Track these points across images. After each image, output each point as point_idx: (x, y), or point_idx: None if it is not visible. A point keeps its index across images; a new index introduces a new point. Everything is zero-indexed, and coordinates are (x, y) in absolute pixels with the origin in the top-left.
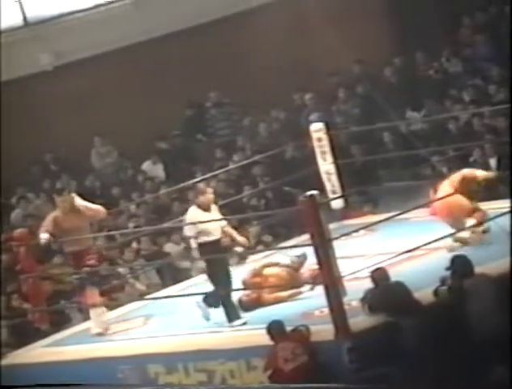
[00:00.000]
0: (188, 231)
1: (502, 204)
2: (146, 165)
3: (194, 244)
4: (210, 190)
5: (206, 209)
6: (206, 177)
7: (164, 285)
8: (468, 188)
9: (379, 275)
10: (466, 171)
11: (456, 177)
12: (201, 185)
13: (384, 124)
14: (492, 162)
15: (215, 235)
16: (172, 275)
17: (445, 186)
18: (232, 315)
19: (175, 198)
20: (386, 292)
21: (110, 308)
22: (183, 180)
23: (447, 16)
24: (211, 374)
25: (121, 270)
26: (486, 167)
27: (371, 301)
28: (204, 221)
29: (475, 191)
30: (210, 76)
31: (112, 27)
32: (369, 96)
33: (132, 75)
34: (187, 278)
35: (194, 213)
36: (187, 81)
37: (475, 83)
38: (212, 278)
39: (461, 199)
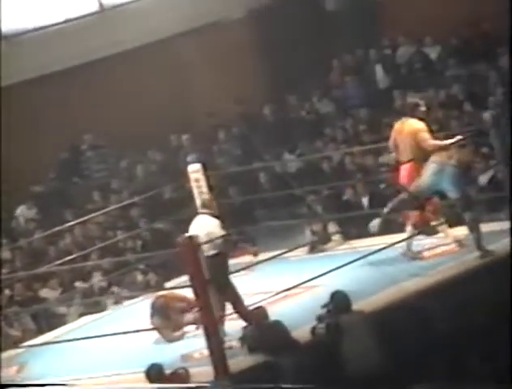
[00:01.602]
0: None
1: (373, 242)
2: (20, 210)
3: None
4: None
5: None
6: (83, 220)
7: (40, 331)
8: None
9: (258, 315)
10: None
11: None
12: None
13: (260, 164)
14: (365, 201)
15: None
16: (47, 321)
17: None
18: None
19: (50, 243)
20: (265, 332)
21: None
22: (59, 223)
23: (318, 58)
24: None
25: None
26: (359, 206)
27: (250, 341)
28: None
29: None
30: (85, 118)
31: None
32: (245, 136)
33: (6, 118)
34: (63, 324)
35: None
36: (62, 123)
37: (345, 123)
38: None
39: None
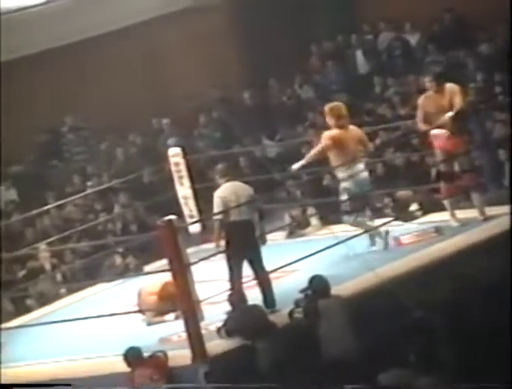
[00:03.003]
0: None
1: (348, 228)
2: None
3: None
4: None
5: None
6: (62, 202)
7: (18, 313)
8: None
9: (236, 298)
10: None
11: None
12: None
13: (240, 149)
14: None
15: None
16: (25, 303)
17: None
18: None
19: (29, 224)
20: (243, 315)
21: None
22: (38, 206)
23: (299, 44)
24: None
25: None
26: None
27: (228, 325)
28: None
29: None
30: (66, 100)
31: None
32: (225, 121)
33: None
34: (43, 305)
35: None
36: (42, 105)
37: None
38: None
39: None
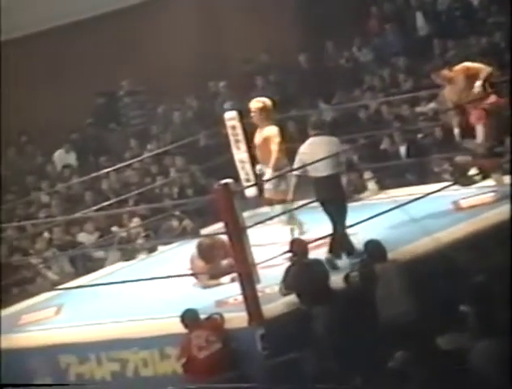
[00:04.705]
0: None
1: (410, 191)
2: (58, 154)
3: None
4: None
5: None
6: (120, 166)
7: (77, 275)
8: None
9: (298, 248)
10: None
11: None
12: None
13: (296, 113)
14: (402, 150)
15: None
16: (84, 264)
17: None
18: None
19: (88, 188)
20: (303, 270)
21: (22, 298)
22: (96, 169)
23: (357, 6)
24: (124, 364)
25: (32, 260)
26: (396, 155)
27: (288, 279)
28: None
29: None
30: (123, 64)
31: (13, 16)
32: (282, 84)
33: (41, 64)
34: (100, 267)
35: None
36: (99, 69)
37: (384, 72)
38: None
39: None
